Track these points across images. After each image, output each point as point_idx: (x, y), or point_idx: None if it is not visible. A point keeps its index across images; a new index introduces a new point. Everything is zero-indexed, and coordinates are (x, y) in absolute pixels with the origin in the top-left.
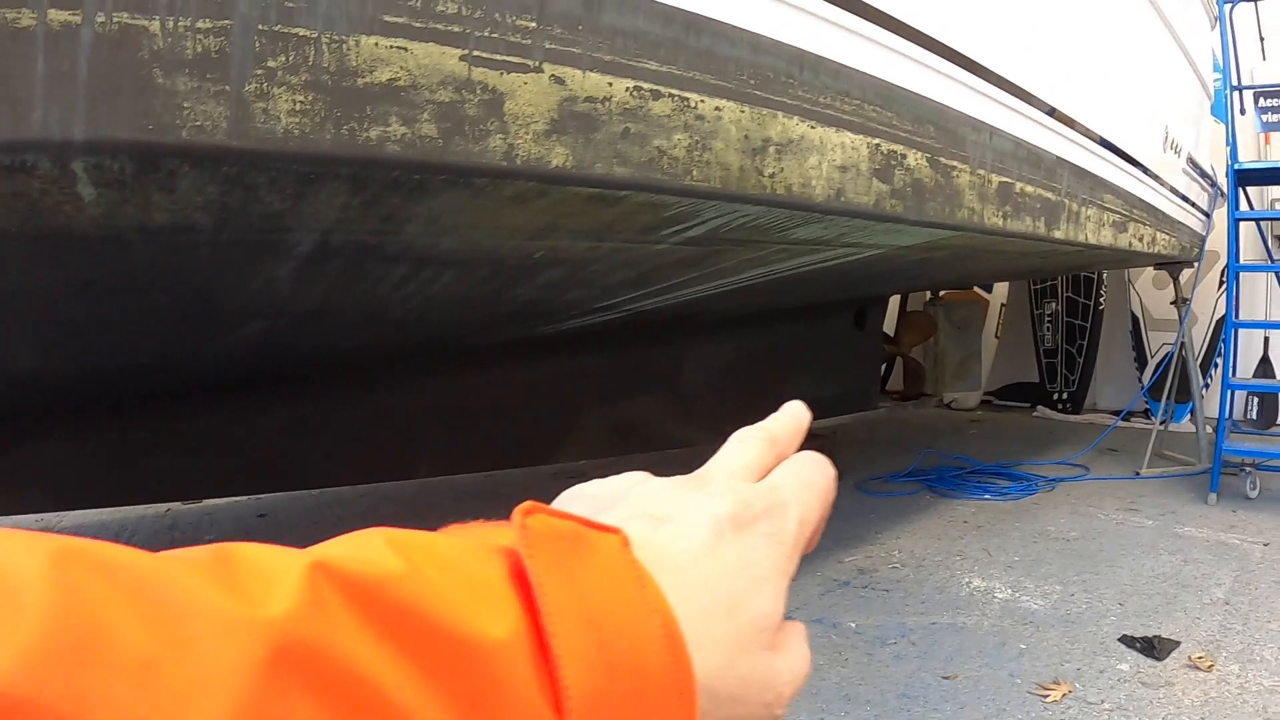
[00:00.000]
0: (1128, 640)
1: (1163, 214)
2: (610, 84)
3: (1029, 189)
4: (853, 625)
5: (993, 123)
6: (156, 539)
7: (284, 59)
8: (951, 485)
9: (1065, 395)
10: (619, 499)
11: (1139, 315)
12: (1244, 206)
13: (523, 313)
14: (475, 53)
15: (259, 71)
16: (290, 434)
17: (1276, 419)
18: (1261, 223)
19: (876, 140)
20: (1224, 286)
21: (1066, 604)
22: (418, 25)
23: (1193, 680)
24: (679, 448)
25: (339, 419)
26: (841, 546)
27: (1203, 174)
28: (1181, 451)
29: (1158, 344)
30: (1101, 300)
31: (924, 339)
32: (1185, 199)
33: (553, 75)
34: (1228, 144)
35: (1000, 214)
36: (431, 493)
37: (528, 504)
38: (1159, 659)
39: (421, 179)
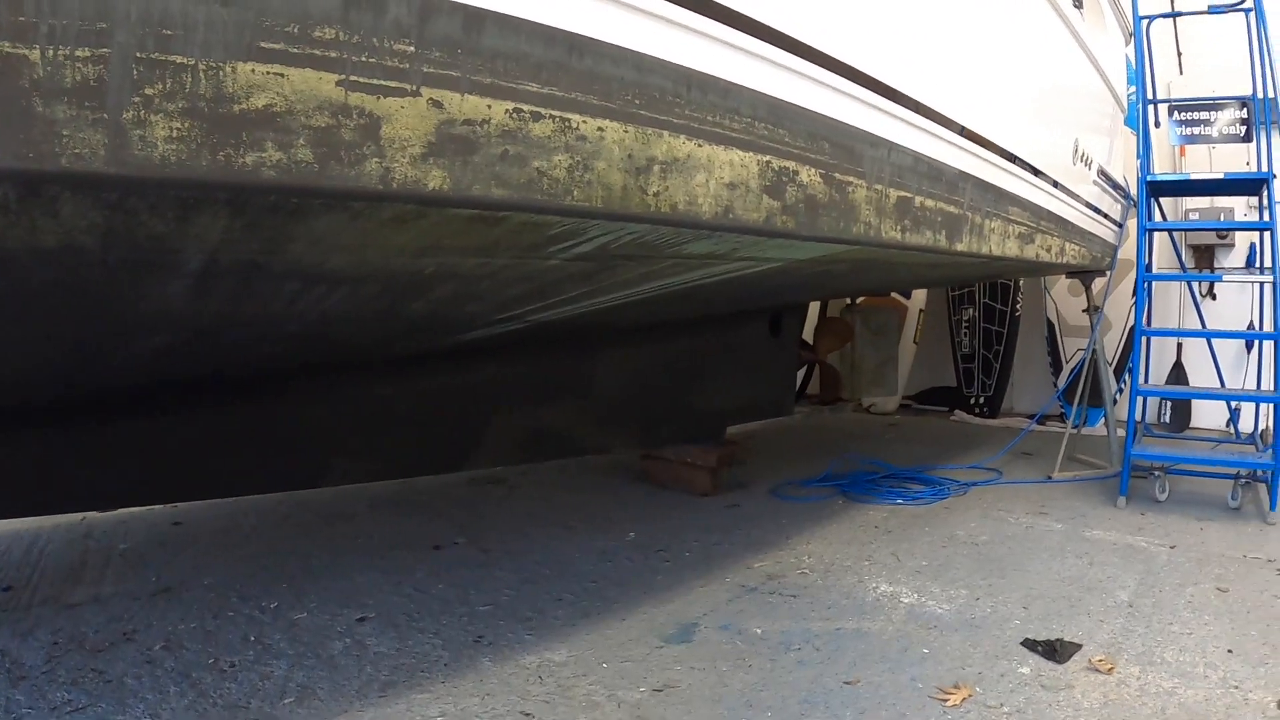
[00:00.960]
0: (1030, 644)
1: (1072, 225)
2: (489, 106)
3: (929, 203)
4: (758, 631)
5: (891, 138)
6: (71, 548)
7: (161, 86)
8: (865, 490)
9: (982, 400)
10: None
11: (1055, 321)
12: (1157, 217)
13: (423, 325)
14: (352, 77)
15: (136, 99)
16: (201, 443)
17: (1189, 423)
18: (1174, 232)
19: (767, 157)
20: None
21: (971, 608)
22: (294, 51)
23: (1093, 682)
24: (593, 454)
25: (249, 428)
26: (751, 552)
27: (1115, 185)
28: (1095, 455)
29: (1073, 349)
30: (1018, 307)
31: (841, 345)
32: (1096, 210)
33: (430, 99)
34: (1138, 156)
35: (899, 228)
36: (347, 500)
37: None
38: (1060, 662)
39: (299, 203)
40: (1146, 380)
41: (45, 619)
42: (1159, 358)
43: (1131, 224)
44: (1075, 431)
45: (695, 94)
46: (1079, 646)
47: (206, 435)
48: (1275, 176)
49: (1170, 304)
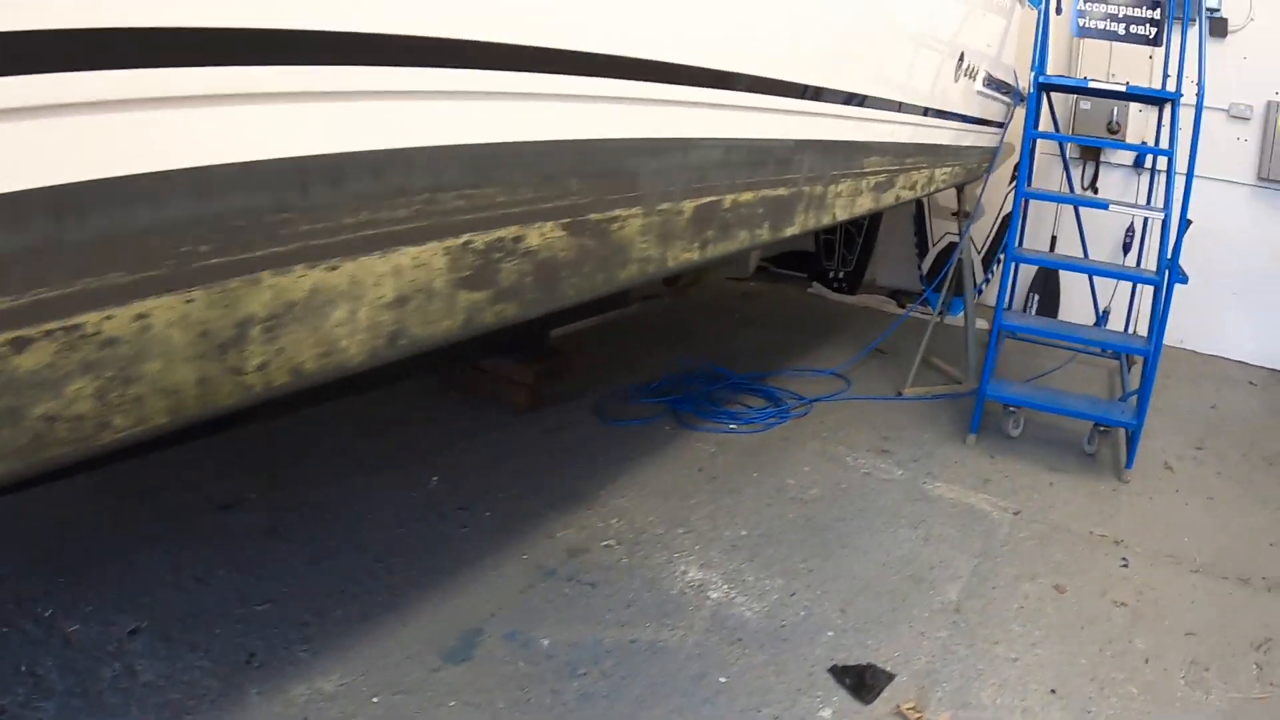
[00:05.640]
0: (838, 672)
1: (946, 148)
2: None
3: (748, 196)
4: (545, 644)
5: (689, 134)
6: None
7: None
8: (698, 407)
9: (842, 275)
10: None
11: (924, 201)
12: (1046, 113)
13: None
14: None
15: None
16: None
17: (1057, 313)
18: (1057, 124)
19: (465, 237)
20: (1014, 184)
21: (784, 610)
22: None
23: None
24: (395, 381)
25: None
26: (558, 512)
27: (1002, 86)
28: (954, 356)
29: (941, 232)
30: None
31: None
32: (978, 121)
33: None
34: (1034, 52)
35: (697, 244)
36: None
37: None
38: (866, 701)
39: None
40: (1010, 304)
41: None
42: (1031, 243)
43: (1019, 112)
44: (939, 320)
45: (318, 193)
46: (891, 678)
47: None
48: (1181, 97)
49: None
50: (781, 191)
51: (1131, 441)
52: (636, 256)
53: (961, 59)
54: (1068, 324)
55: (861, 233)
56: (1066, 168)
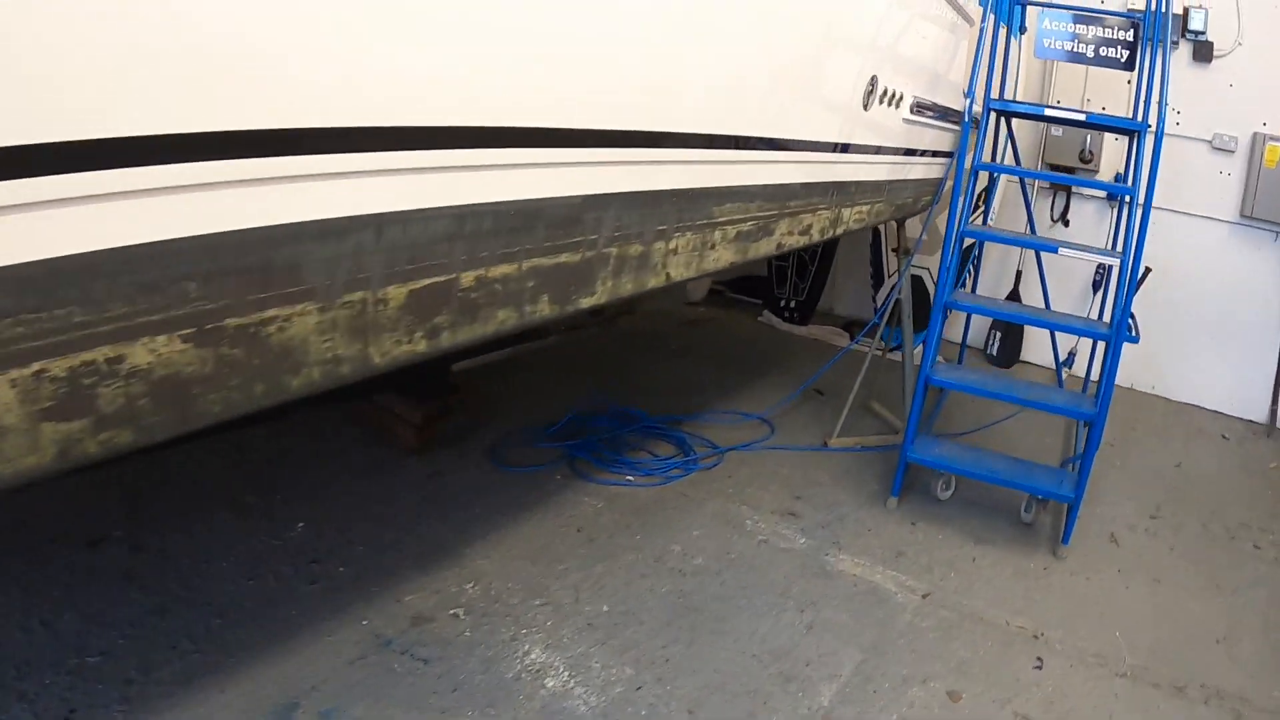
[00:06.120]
0: None
1: (859, 183)
2: None
3: (505, 269)
4: None
5: (377, 207)
6: None
7: None
8: (597, 454)
9: (793, 304)
10: None
11: (882, 231)
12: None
13: None
14: None
15: None
16: None
17: (1019, 356)
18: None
19: (35, 366)
20: (980, 213)
21: (623, 707)
22: None
23: None
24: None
25: None
26: (414, 572)
27: (944, 113)
28: (894, 400)
29: (896, 264)
30: None
31: None
32: (911, 151)
33: None
34: (971, 74)
35: (422, 334)
36: None
37: None
38: None
39: None
40: (964, 344)
41: None
42: (997, 284)
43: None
44: (880, 355)
45: None
46: None
47: None
48: (1149, 129)
49: (1018, 224)
50: (565, 258)
51: (1069, 519)
52: (318, 359)
53: (874, 83)
54: (1005, 380)
55: (815, 260)
56: (1027, 201)
